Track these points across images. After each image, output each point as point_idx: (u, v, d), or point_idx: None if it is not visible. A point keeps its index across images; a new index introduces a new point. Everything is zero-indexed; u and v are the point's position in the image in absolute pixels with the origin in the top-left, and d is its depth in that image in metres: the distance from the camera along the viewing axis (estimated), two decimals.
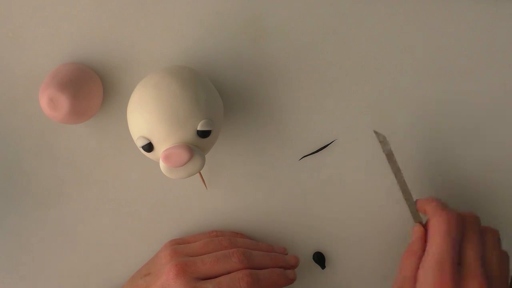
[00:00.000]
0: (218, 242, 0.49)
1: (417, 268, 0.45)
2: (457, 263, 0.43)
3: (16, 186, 0.51)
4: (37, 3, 0.49)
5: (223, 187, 0.52)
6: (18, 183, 0.51)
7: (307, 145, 0.51)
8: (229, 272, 0.46)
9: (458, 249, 0.44)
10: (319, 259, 0.51)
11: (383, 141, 0.48)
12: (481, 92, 0.50)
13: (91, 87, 0.48)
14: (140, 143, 0.44)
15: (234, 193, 0.52)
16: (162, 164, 0.44)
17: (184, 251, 0.48)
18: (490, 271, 0.44)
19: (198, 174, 0.50)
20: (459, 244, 0.44)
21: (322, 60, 0.50)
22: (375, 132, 0.48)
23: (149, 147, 0.44)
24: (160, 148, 0.44)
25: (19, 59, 0.49)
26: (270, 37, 0.50)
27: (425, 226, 0.47)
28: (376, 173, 0.51)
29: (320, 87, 0.50)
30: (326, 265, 0.51)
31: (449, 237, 0.44)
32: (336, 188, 0.51)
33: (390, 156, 0.48)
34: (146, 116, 0.44)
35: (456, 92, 0.50)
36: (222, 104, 0.47)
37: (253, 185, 0.51)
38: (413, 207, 0.48)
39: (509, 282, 0.46)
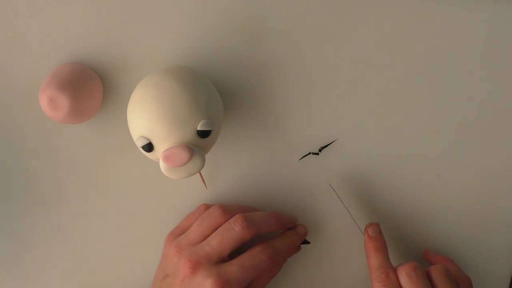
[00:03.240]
0: (210, 216, 0.48)
1: None
2: None
3: (16, 186, 0.51)
4: (37, 3, 0.49)
5: (223, 187, 0.51)
6: (18, 183, 0.51)
7: (307, 145, 0.51)
8: (237, 243, 0.46)
9: None
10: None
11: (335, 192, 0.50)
12: (480, 92, 0.50)
13: (91, 87, 0.48)
14: (140, 143, 0.44)
15: (234, 193, 0.52)
16: (162, 164, 0.44)
17: (187, 240, 0.47)
18: None
19: (198, 174, 0.50)
20: None
21: (322, 60, 0.50)
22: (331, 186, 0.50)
23: (149, 147, 0.44)
24: (160, 148, 0.44)
25: (19, 59, 0.49)
26: (270, 37, 0.50)
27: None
28: (375, 172, 0.51)
29: (320, 87, 0.50)
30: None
31: None
32: (336, 188, 0.51)
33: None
34: (146, 116, 0.44)
35: (456, 92, 0.50)
36: (222, 104, 0.47)
37: (253, 185, 0.51)
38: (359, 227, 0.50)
39: None
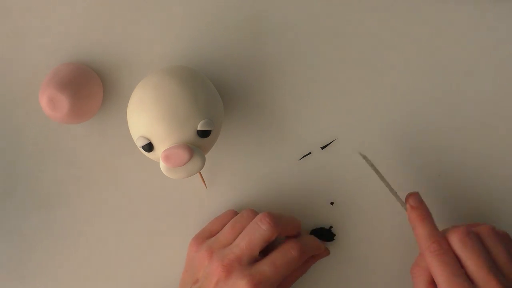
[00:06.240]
0: (243, 218, 0.48)
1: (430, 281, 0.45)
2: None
3: (16, 186, 0.51)
4: (37, 3, 0.49)
5: (223, 187, 0.51)
6: (18, 183, 0.51)
7: (307, 145, 0.51)
8: (265, 241, 0.45)
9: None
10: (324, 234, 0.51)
11: (367, 160, 0.48)
12: (480, 92, 0.50)
13: (91, 87, 0.48)
14: (140, 143, 0.44)
15: (234, 193, 0.52)
16: (162, 164, 0.44)
17: (218, 244, 0.47)
18: (502, 272, 0.43)
19: (198, 174, 0.50)
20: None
21: (322, 59, 0.50)
22: (361, 155, 0.48)
23: (149, 147, 0.44)
24: (160, 148, 0.44)
25: (19, 59, 0.49)
26: (270, 37, 0.50)
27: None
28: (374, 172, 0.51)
29: (320, 87, 0.50)
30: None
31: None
32: (336, 188, 0.51)
33: (374, 169, 0.48)
34: (146, 116, 0.44)
35: (456, 92, 0.50)
36: (222, 104, 0.47)
37: (253, 185, 0.51)
38: (399, 199, 0.48)
39: None
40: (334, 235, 0.51)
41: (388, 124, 0.51)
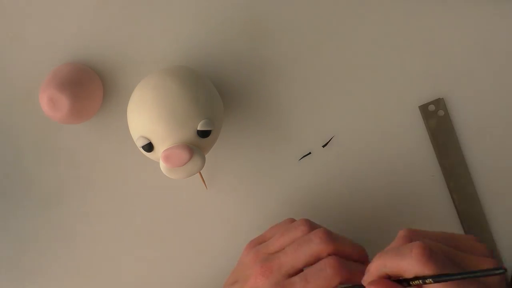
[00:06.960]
0: (294, 228, 0.44)
1: None
2: None
3: (16, 186, 0.51)
4: (37, 3, 0.49)
5: (223, 187, 0.52)
6: (18, 183, 0.51)
7: (307, 145, 0.51)
8: (313, 256, 0.42)
9: None
10: None
11: None
12: (481, 92, 0.50)
13: (91, 87, 0.48)
14: (140, 143, 0.44)
15: (234, 193, 0.52)
16: (162, 164, 0.44)
17: (266, 250, 0.45)
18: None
19: (198, 174, 0.50)
20: None
21: (322, 60, 0.50)
22: None
23: (149, 147, 0.44)
24: (160, 148, 0.44)
25: (19, 59, 0.49)
26: (270, 37, 0.50)
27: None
28: (376, 171, 0.51)
29: (320, 87, 0.50)
30: None
31: None
32: (337, 188, 0.51)
33: None
34: (146, 116, 0.44)
35: (456, 92, 0.50)
36: (222, 104, 0.47)
37: (253, 185, 0.51)
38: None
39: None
40: None
41: (387, 124, 0.51)
